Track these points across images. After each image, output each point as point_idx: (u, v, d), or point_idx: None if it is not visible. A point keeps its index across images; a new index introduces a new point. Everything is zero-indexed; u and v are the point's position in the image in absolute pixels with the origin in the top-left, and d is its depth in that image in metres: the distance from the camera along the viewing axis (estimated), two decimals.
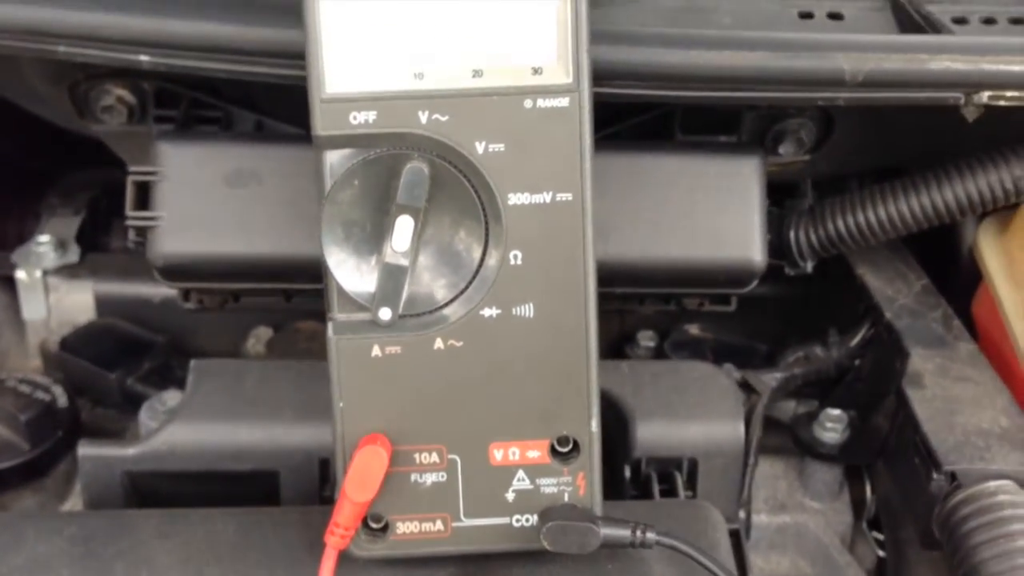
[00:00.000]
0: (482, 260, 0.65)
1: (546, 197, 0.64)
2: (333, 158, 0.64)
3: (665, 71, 0.69)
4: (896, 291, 0.91)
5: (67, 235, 1.08)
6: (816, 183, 0.92)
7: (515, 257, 0.65)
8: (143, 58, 0.70)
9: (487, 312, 0.65)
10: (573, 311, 0.66)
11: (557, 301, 0.66)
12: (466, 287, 0.65)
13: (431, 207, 0.64)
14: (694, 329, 1.05)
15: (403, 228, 0.64)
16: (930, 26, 0.74)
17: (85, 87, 0.85)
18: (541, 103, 0.63)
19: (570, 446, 0.68)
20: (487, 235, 0.65)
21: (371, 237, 0.64)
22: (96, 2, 0.70)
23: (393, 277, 0.64)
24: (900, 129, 0.85)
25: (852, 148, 0.88)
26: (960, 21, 0.79)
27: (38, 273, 1.04)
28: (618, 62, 0.69)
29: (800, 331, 0.99)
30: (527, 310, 0.66)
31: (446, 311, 0.65)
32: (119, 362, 0.99)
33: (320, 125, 0.63)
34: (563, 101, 0.64)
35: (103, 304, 1.04)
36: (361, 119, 0.63)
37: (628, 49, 0.69)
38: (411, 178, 0.63)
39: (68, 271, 1.05)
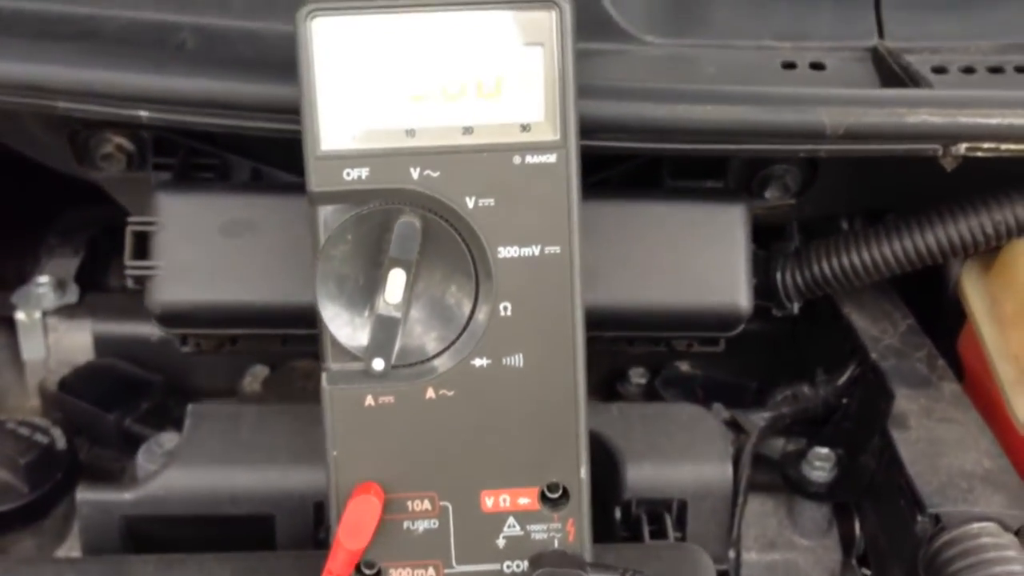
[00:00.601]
0: (473, 312, 0.67)
1: (535, 250, 0.66)
2: (327, 213, 0.66)
3: (651, 125, 0.71)
4: (881, 331, 0.93)
5: (66, 275, 1.09)
6: (802, 225, 0.94)
7: (505, 308, 0.67)
8: (142, 113, 0.71)
9: (478, 362, 0.67)
10: (562, 361, 0.67)
11: (546, 351, 0.67)
12: (457, 338, 0.67)
13: (423, 260, 0.66)
14: (684, 366, 1.06)
15: (395, 281, 0.65)
16: (909, 78, 0.76)
17: (84, 135, 0.86)
18: (530, 159, 0.65)
19: (560, 493, 0.69)
20: (477, 287, 0.66)
21: (364, 290, 0.66)
22: (95, 58, 0.72)
23: (386, 328, 0.65)
24: (884, 173, 0.87)
25: (837, 192, 0.90)
26: (940, 71, 0.81)
27: (37, 314, 1.05)
28: (605, 116, 0.71)
29: (788, 368, 1.00)
30: (517, 360, 0.67)
31: (437, 361, 0.67)
32: (117, 402, 1.00)
33: (314, 181, 0.65)
34: (551, 157, 0.65)
35: (101, 344, 1.06)
36: (354, 175, 0.65)
37: (615, 104, 0.71)
38: (403, 232, 0.65)
39: (67, 312, 1.06)
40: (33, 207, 1.18)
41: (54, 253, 1.13)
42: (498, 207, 0.65)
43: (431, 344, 0.67)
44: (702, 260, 0.80)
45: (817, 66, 0.82)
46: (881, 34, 0.83)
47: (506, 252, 0.66)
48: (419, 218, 0.65)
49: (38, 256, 1.13)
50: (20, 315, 1.05)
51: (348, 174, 0.65)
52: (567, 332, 0.67)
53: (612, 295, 0.79)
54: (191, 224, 0.78)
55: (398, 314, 0.65)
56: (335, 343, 0.67)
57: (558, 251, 0.66)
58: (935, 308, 0.99)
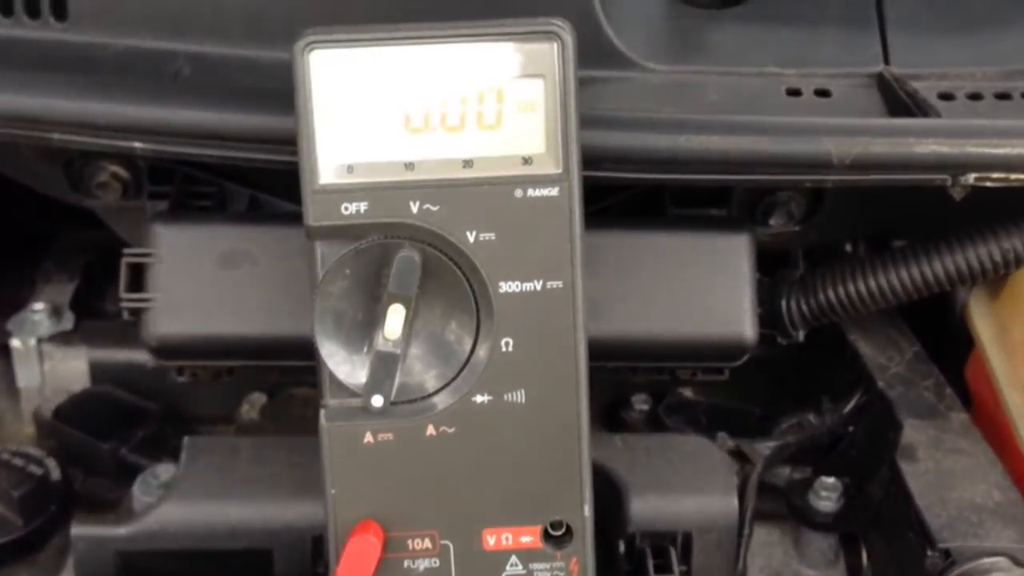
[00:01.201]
0: (473, 347, 0.66)
1: (537, 285, 0.65)
2: (325, 247, 0.65)
3: (654, 155, 0.70)
4: (888, 359, 0.92)
5: (61, 301, 1.08)
6: (807, 251, 0.93)
7: (506, 344, 0.66)
8: (137, 145, 0.70)
9: (479, 399, 0.66)
10: (565, 397, 0.66)
11: (549, 387, 0.66)
12: (457, 374, 0.66)
13: (422, 295, 0.65)
14: (688, 393, 1.05)
15: (395, 317, 0.64)
16: (916, 105, 0.75)
17: (80, 164, 0.85)
18: (531, 192, 0.64)
19: (563, 531, 0.68)
20: (478, 323, 0.65)
21: (363, 325, 0.65)
22: (89, 90, 0.71)
23: (385, 365, 0.64)
24: (890, 199, 0.86)
25: (842, 218, 0.88)
26: (946, 97, 0.80)
27: (32, 341, 1.04)
28: (607, 147, 0.70)
29: (793, 393, 0.99)
30: (519, 396, 0.66)
31: (438, 398, 0.66)
32: (113, 431, 0.98)
33: (312, 215, 0.64)
34: (553, 191, 0.64)
35: (97, 371, 1.04)
36: (353, 209, 0.64)
37: (617, 134, 0.70)
38: (403, 267, 0.64)
39: (62, 338, 1.05)
40: (29, 231, 1.17)
41: (50, 279, 1.12)
42: (499, 241, 0.64)
43: (431, 380, 0.66)
44: (706, 290, 0.79)
45: (822, 93, 0.81)
46: (887, 60, 0.82)
47: (507, 287, 0.65)
48: (419, 252, 0.64)
49: (34, 282, 1.12)
50: (15, 342, 1.04)
51: (346, 208, 0.64)
52: (570, 368, 0.66)
53: (615, 326, 0.78)
54: (188, 255, 0.76)
55: (397, 350, 0.64)
56: (333, 379, 0.66)
57: (560, 286, 0.65)
58: (941, 335, 0.98)
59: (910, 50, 0.83)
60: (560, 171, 0.64)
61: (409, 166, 0.64)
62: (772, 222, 0.86)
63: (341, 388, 0.65)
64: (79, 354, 1.05)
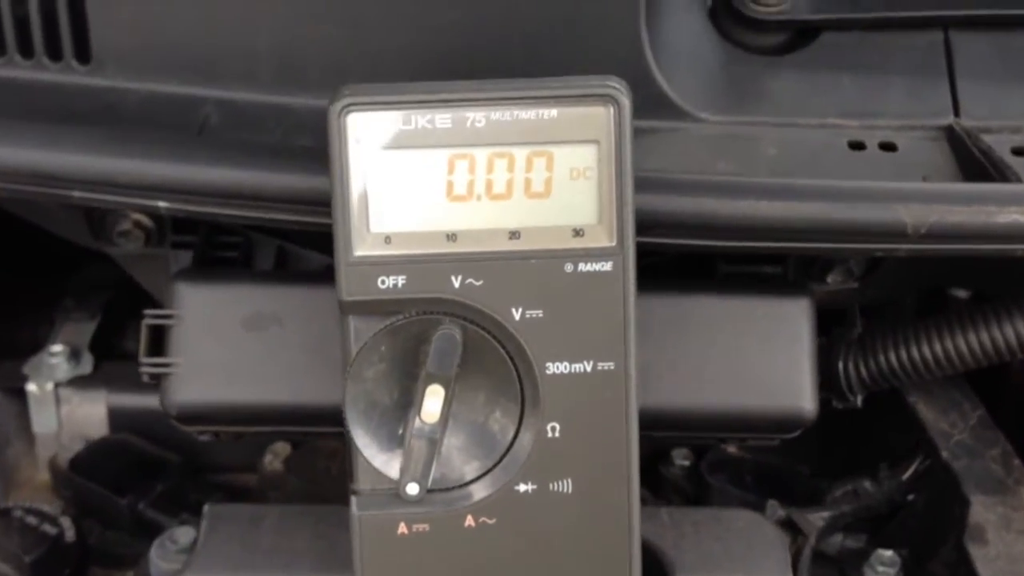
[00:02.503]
0: (517, 432, 0.61)
1: (587, 366, 0.61)
2: (359, 322, 0.61)
3: (713, 222, 0.65)
4: (951, 424, 0.86)
5: (81, 342, 1.05)
6: (865, 308, 0.88)
7: (553, 430, 0.61)
8: (161, 204, 0.66)
9: (522, 487, 0.61)
10: (615, 486, 0.62)
11: (597, 476, 0.61)
12: (499, 461, 0.61)
13: (463, 375, 0.60)
14: (732, 448, 1.00)
15: (433, 398, 0.60)
16: (992, 166, 0.70)
17: (101, 212, 0.81)
18: (582, 267, 0.60)
19: None
20: (523, 406, 0.61)
21: (398, 406, 0.61)
22: (111, 145, 0.67)
23: (421, 450, 0.60)
24: (956, 256, 0.80)
25: (904, 275, 0.83)
26: (1020, 152, 0.74)
27: (49, 386, 1.01)
28: (662, 213, 0.65)
29: (845, 454, 0.94)
30: (565, 485, 0.61)
31: (477, 486, 0.62)
32: (131, 484, 0.95)
33: (346, 290, 0.60)
34: (606, 265, 0.60)
35: (116, 417, 1.01)
36: (390, 283, 0.60)
37: (672, 199, 0.65)
38: (442, 345, 0.59)
39: (81, 382, 1.02)
40: (49, 263, 1.14)
41: (69, 316, 1.09)
42: (547, 319, 0.60)
43: (471, 468, 0.61)
44: (762, 359, 0.73)
45: (888, 147, 0.76)
46: (956, 111, 0.77)
47: (555, 368, 0.60)
48: (459, 329, 0.60)
49: (53, 320, 1.09)
50: (31, 386, 1.01)
51: (383, 282, 0.59)
52: (621, 455, 0.61)
53: (663, 396, 0.73)
54: (212, 317, 0.72)
55: (435, 434, 0.60)
56: (365, 464, 0.61)
57: (612, 367, 0.61)
58: (1004, 392, 0.93)
59: (981, 101, 0.77)
60: (614, 244, 0.59)
61: (451, 237, 0.59)
62: (830, 279, 0.81)
63: (373, 473, 0.61)
64: (98, 398, 1.02)
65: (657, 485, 0.98)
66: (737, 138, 0.76)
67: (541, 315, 0.60)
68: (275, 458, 1.01)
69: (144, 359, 0.72)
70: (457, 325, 0.60)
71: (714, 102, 0.77)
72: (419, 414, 0.60)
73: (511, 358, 0.60)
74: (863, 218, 0.65)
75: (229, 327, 0.72)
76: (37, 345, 1.05)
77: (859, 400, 0.84)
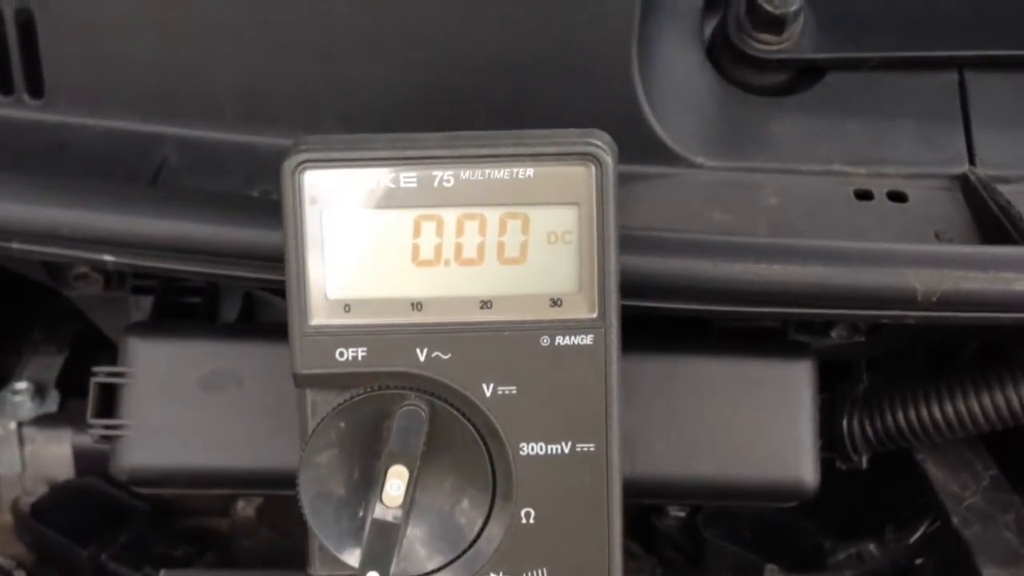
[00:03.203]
0: (487, 519, 0.57)
1: (564, 447, 0.56)
2: (316, 395, 0.56)
3: (707, 287, 0.59)
4: (962, 485, 0.81)
5: (47, 378, 1.00)
6: (871, 362, 0.82)
7: (527, 516, 0.57)
8: (107, 258, 0.61)
9: None
10: (595, 574, 0.56)
11: (575, 566, 0.57)
12: (468, 549, 0.56)
13: (429, 455, 0.56)
14: None
15: (396, 480, 0.55)
16: (1012, 224, 0.64)
17: None
18: (560, 340, 0.55)
19: None
20: (494, 491, 0.57)
21: (358, 487, 0.56)
22: (54, 193, 0.62)
23: (383, 536, 0.55)
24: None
25: (913, 331, 0.78)
26: None
27: (13, 425, 0.97)
28: (650, 276, 0.59)
29: (848, 510, 0.88)
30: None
31: (445, 575, 0.56)
32: (94, 532, 0.91)
33: (301, 362, 0.55)
34: (586, 338, 0.55)
35: (82, 458, 0.96)
36: (349, 356, 0.55)
37: (663, 260, 0.60)
38: (406, 423, 0.55)
39: (45, 421, 0.97)
40: (17, 295, 1.09)
41: (37, 349, 1.04)
42: (521, 396, 0.56)
43: (436, 556, 0.56)
44: (759, 425, 0.68)
45: (897, 196, 0.70)
46: (972, 159, 0.72)
47: (530, 450, 0.56)
48: (426, 406, 0.55)
49: (20, 352, 1.04)
50: None
51: (342, 354, 0.55)
52: (601, 540, 0.57)
53: (651, 464, 0.68)
54: (166, 376, 0.67)
55: (398, 520, 0.55)
56: (323, 548, 0.56)
57: (592, 449, 0.56)
58: (1020, 453, 0.87)
59: (998, 149, 0.72)
60: (595, 315, 0.55)
61: (416, 306, 0.55)
62: (834, 334, 0.76)
63: (331, 559, 0.56)
64: (63, 438, 0.97)
65: (649, 538, 0.93)
66: (735, 185, 0.71)
67: (515, 391, 0.56)
68: (248, 505, 0.97)
69: (93, 419, 0.67)
70: (423, 400, 0.55)
71: (711, 146, 0.72)
72: (380, 498, 0.55)
73: (482, 438, 0.56)
74: (870, 284, 0.59)
75: (185, 387, 0.67)
76: (2, 379, 1.00)
77: (864, 461, 0.79)
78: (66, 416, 0.97)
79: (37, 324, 1.08)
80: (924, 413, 0.75)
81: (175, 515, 0.97)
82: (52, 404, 0.98)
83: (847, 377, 0.82)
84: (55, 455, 0.98)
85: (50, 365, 1.02)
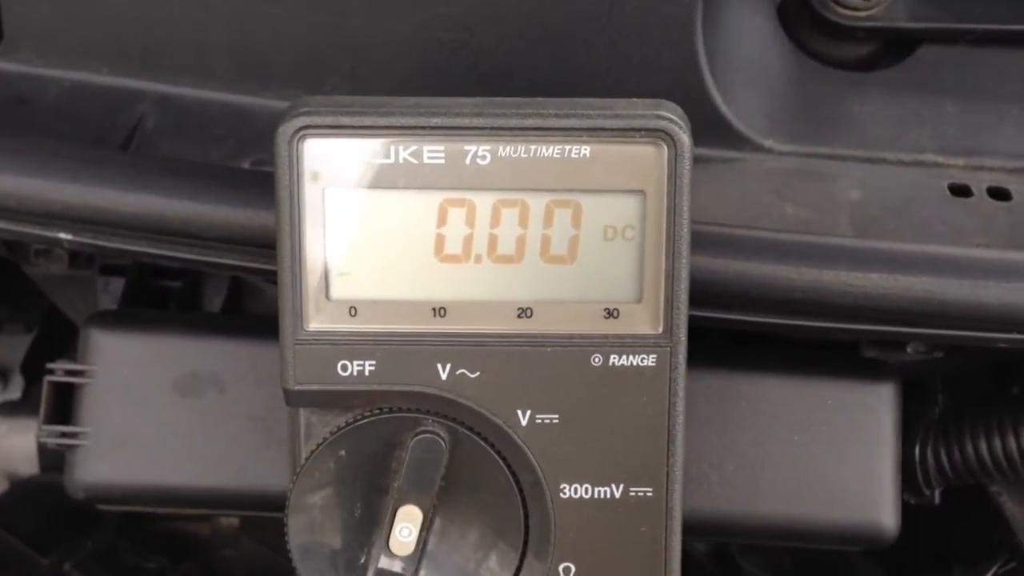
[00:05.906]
0: (518, 573, 0.46)
1: (615, 491, 0.48)
2: (312, 416, 0.47)
3: (787, 297, 0.50)
4: None
5: (12, 361, 0.93)
6: (948, 382, 0.73)
7: (566, 571, 0.47)
8: (63, 236, 0.51)
9: None
10: None
11: None
12: None
13: (448, 494, 0.47)
14: None
15: (406, 523, 0.46)
16: None
17: None
18: (615, 360, 0.46)
19: None
20: (526, 539, 0.48)
21: (360, 529, 0.47)
22: (3, 158, 0.51)
23: None
24: None
25: None
26: None
27: None
28: (715, 281, 0.50)
29: (910, 546, 0.79)
30: None
31: None
32: (57, 538, 0.83)
33: (294, 376, 0.46)
34: (648, 359, 0.46)
35: (47, 453, 0.87)
36: (354, 370, 0.46)
37: (732, 264, 0.50)
38: (421, 454, 0.46)
39: (9, 409, 0.90)
40: None
41: (2, 329, 0.95)
42: (564, 427, 0.47)
43: None
44: (834, 459, 0.60)
45: (998, 194, 0.61)
46: None
47: (572, 492, 0.48)
48: (446, 434, 0.46)
49: None
50: None
51: (345, 368, 0.46)
52: None
53: (713, 502, 0.59)
54: (135, 377, 0.58)
55: (407, 572, 0.45)
56: None
57: (650, 494, 0.47)
58: None
59: None
60: (659, 331, 0.46)
61: (439, 311, 0.46)
62: (910, 348, 0.67)
63: None
64: (27, 428, 0.89)
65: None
66: (810, 175, 0.62)
67: (557, 421, 0.47)
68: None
69: (44, 426, 0.57)
70: (443, 427, 0.46)
71: (781, 127, 0.63)
72: (387, 543, 0.45)
73: (514, 475, 0.47)
74: (994, 300, 0.49)
75: (156, 390, 0.58)
76: None
77: (937, 497, 0.69)
78: (31, 404, 0.88)
79: (2, 299, 0.99)
80: (1012, 444, 0.66)
81: (149, 520, 0.89)
82: (15, 390, 0.92)
83: (919, 398, 0.73)
84: (17, 448, 0.90)
85: (15, 346, 0.95)
